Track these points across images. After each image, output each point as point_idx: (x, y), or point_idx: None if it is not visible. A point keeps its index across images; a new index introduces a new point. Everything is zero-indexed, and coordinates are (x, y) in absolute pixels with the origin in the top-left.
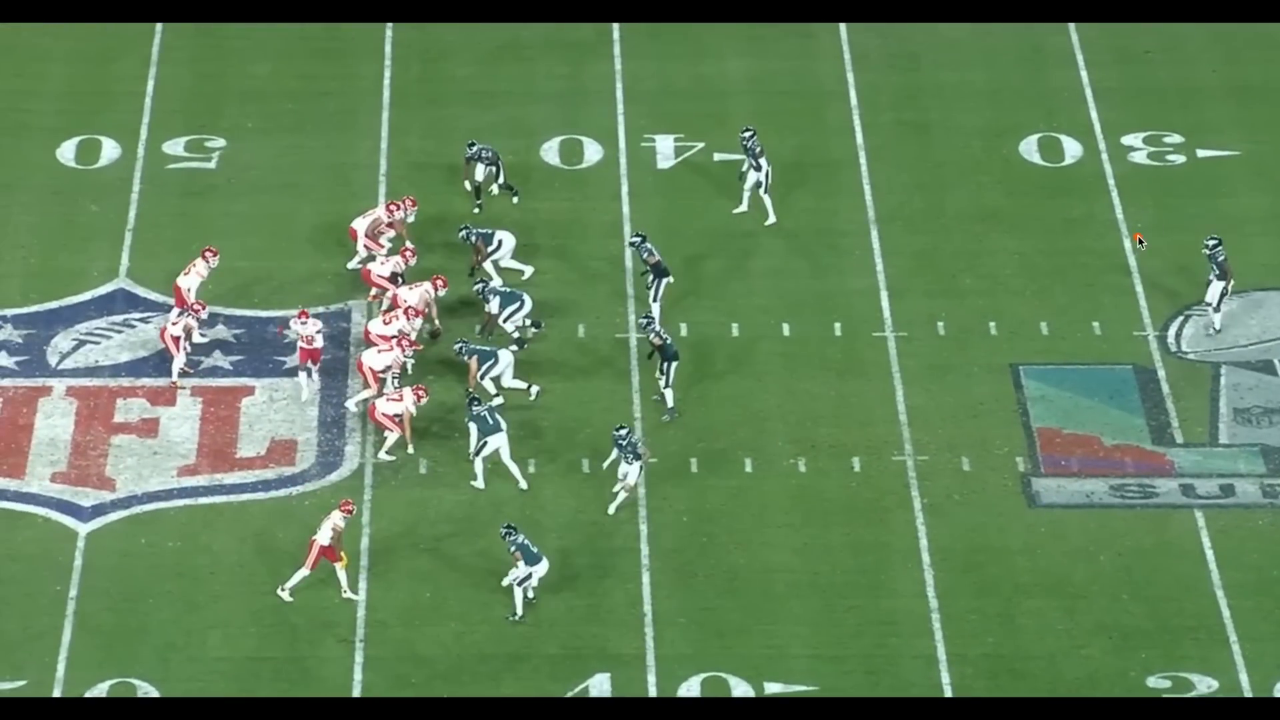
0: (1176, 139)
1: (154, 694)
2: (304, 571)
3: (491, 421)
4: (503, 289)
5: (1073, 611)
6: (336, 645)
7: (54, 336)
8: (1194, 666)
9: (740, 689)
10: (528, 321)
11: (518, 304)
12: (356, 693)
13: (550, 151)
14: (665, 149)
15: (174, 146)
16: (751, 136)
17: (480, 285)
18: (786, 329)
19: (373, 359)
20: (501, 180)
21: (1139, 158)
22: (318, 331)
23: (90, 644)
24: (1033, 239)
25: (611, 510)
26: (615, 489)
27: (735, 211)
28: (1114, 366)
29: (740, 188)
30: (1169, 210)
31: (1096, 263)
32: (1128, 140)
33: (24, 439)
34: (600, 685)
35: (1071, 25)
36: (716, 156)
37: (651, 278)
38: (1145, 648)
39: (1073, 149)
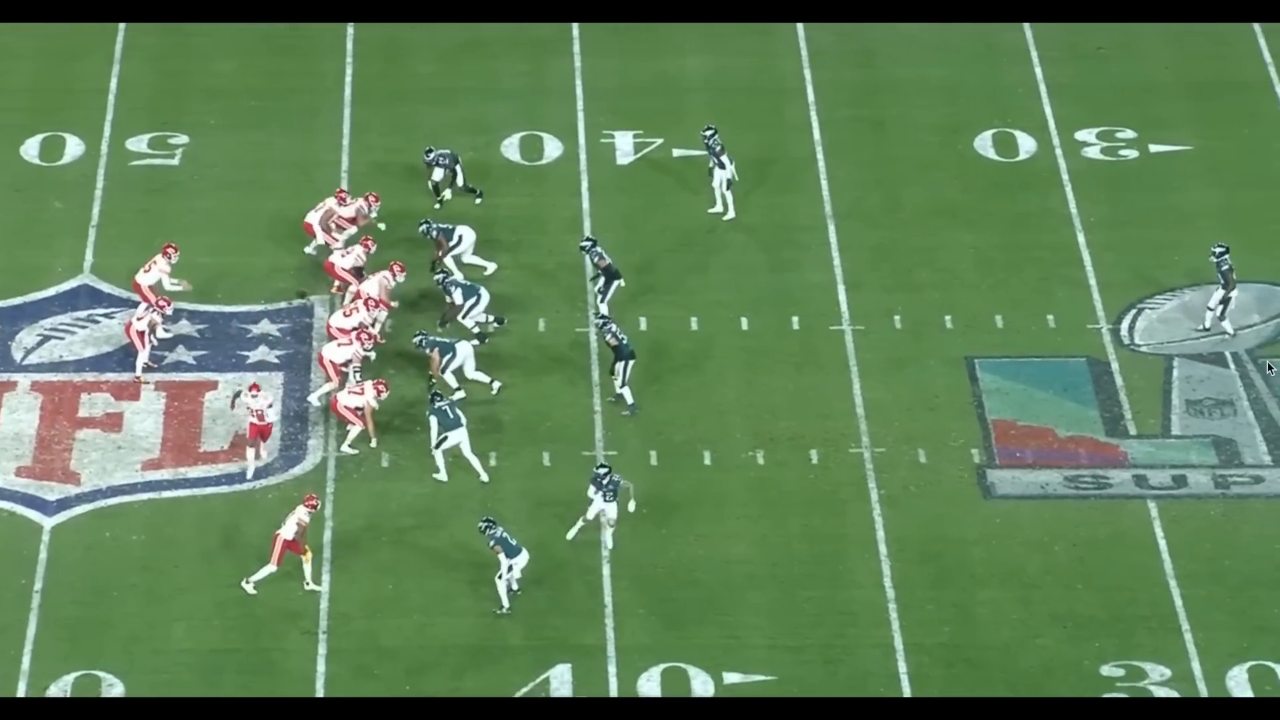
0: (1129, 134)
1: (119, 686)
2: (270, 567)
3: (452, 416)
4: (464, 282)
5: (1028, 601)
6: (300, 637)
7: (18, 332)
8: (1147, 655)
9: (699, 679)
10: (489, 317)
11: (475, 299)
12: (320, 684)
13: (511, 148)
14: (625, 145)
15: (137, 143)
16: (713, 135)
17: (441, 277)
18: (745, 323)
19: (333, 352)
20: (461, 183)
21: (1092, 153)
22: (269, 406)
23: (55, 637)
24: (987, 233)
25: (570, 535)
26: (588, 517)
27: (710, 211)
28: (1068, 359)
29: (710, 187)
30: (1122, 205)
31: (1051, 257)
32: (1081, 136)
33: None
34: (561, 676)
35: (1026, 23)
36: (675, 153)
37: (602, 280)
38: (1099, 637)
39: (1027, 145)
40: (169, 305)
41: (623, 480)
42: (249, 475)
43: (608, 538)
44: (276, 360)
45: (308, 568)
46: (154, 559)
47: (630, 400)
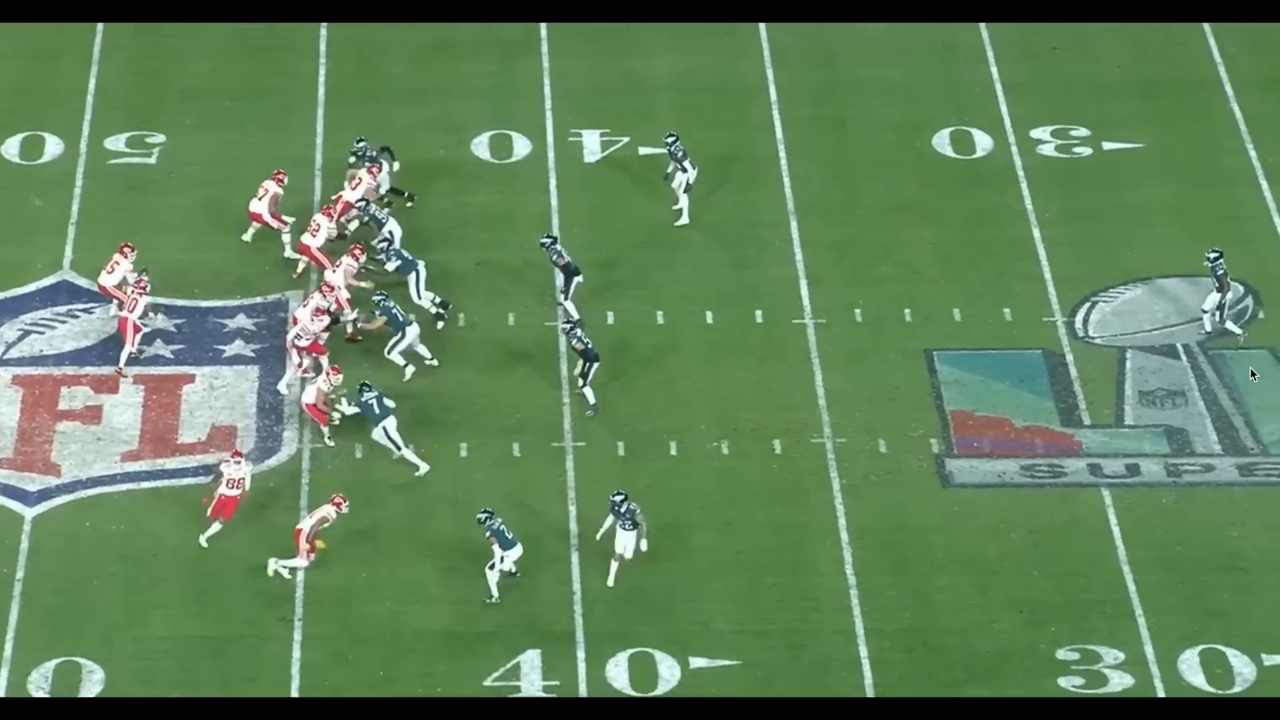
0: (1083, 132)
1: (99, 672)
2: (301, 561)
3: (379, 410)
4: (405, 255)
5: (985, 587)
6: (277, 625)
7: None
8: (1101, 639)
9: (666, 664)
10: (433, 296)
11: (414, 273)
12: (295, 669)
13: (480, 146)
14: (592, 144)
15: (115, 143)
16: (674, 141)
17: (385, 243)
18: (709, 317)
19: (333, 276)
20: (390, 185)
21: (1047, 150)
22: (249, 475)
23: (37, 624)
24: (946, 229)
25: (610, 582)
26: (613, 560)
27: (677, 225)
28: (1024, 351)
29: (671, 191)
30: (1076, 201)
31: (1007, 252)
32: (1036, 134)
33: None
34: (531, 661)
35: (982, 23)
36: (641, 151)
37: (562, 278)
38: (1055, 621)
39: (984, 142)
40: (145, 282)
41: (639, 514)
42: (202, 541)
43: (612, 573)
44: (252, 354)
45: (299, 560)
46: (133, 548)
47: (593, 400)
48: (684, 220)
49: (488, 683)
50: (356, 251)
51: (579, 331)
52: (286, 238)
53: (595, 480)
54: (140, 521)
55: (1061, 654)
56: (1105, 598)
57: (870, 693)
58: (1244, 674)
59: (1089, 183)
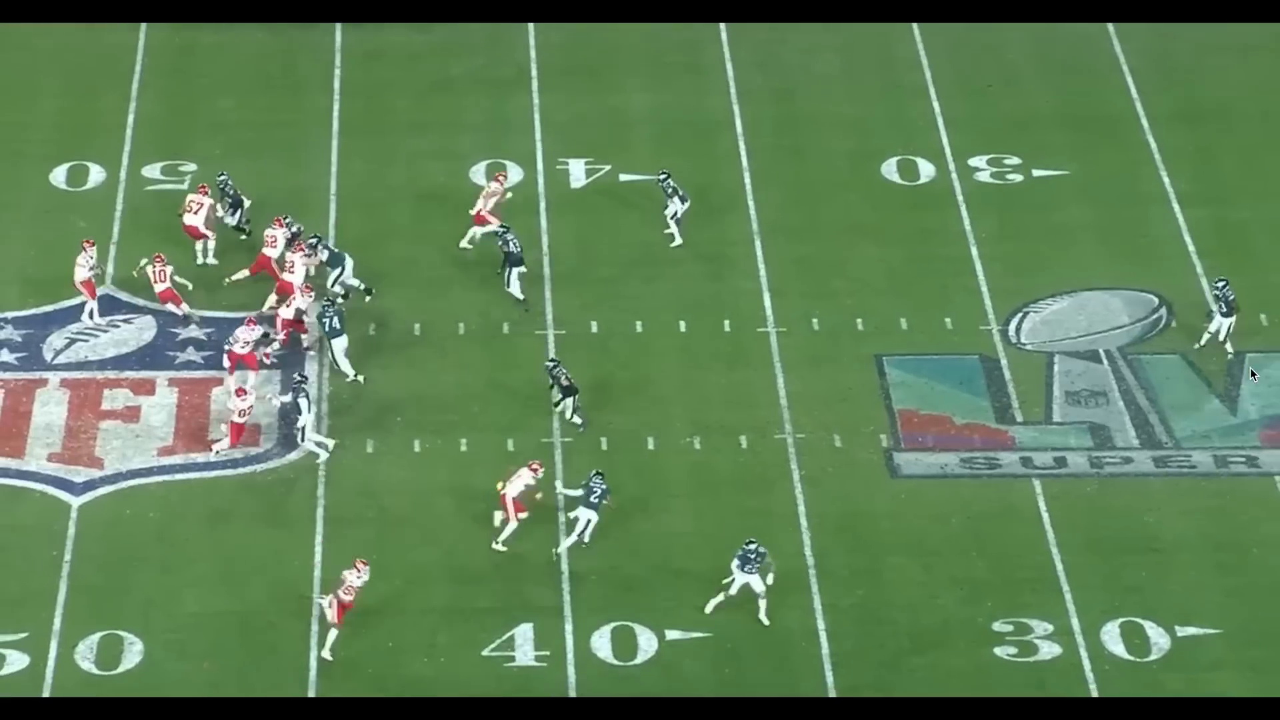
0: (1015, 161)
1: (138, 644)
2: (512, 524)
3: (306, 404)
4: (333, 248)
5: (929, 567)
6: (296, 600)
7: (49, 335)
8: (1033, 613)
9: (645, 636)
10: (358, 283)
11: (340, 267)
12: (313, 642)
13: (477, 173)
14: (577, 171)
15: (152, 170)
16: (666, 178)
17: (316, 239)
18: (683, 326)
19: (285, 311)
20: (238, 219)
21: (983, 177)
22: (254, 403)
23: (82, 601)
24: (893, 247)
25: (709, 609)
26: (731, 592)
27: (667, 233)
28: (963, 356)
29: (662, 216)
30: (1009, 222)
31: (948, 267)
32: (973, 162)
33: (23, 425)
34: (524, 634)
35: (925, 63)
36: (622, 178)
37: (505, 263)
38: (991, 597)
39: (927, 170)
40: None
41: (766, 555)
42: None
43: (762, 612)
44: (275, 360)
45: (510, 527)
46: (168, 533)
47: (581, 420)
48: (678, 242)
49: (485, 653)
50: (303, 249)
51: (562, 370)
52: (211, 245)
53: (581, 471)
54: (174, 509)
55: (997, 626)
56: (1036, 576)
57: (827, 661)
58: (1159, 644)
59: (1020, 206)
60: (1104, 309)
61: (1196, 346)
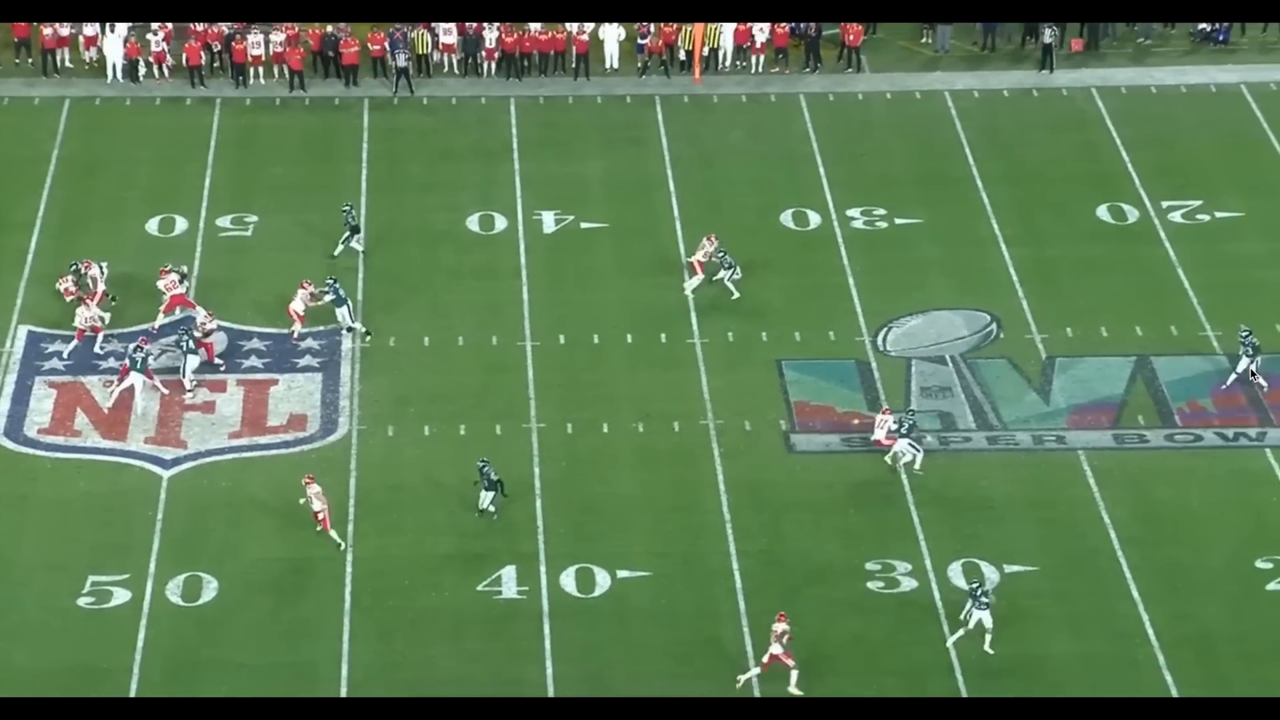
0: (882, 211)
1: (214, 583)
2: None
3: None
4: (340, 290)
5: (819, 523)
6: (333, 549)
7: (147, 347)
8: (896, 556)
9: (601, 574)
10: (359, 326)
11: (346, 305)
12: (348, 579)
13: (472, 222)
14: (549, 220)
15: (224, 221)
16: (724, 254)
17: (332, 281)
18: (629, 338)
19: (295, 304)
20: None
21: (857, 224)
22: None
23: (171, 551)
24: (790, 278)
25: (950, 642)
26: (969, 627)
27: (733, 298)
28: (843, 361)
29: (726, 285)
30: (877, 260)
31: (832, 293)
32: (850, 213)
33: (126, 415)
34: (509, 574)
35: (813, 136)
36: (583, 225)
37: (348, 233)
38: (864, 544)
39: (815, 219)
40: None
41: (991, 594)
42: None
43: (987, 644)
44: (317, 365)
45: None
46: (236, 498)
47: (495, 510)
48: (735, 295)
49: (479, 588)
50: (307, 284)
51: (491, 467)
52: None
53: (552, 450)
54: (240, 480)
55: (869, 566)
56: (899, 526)
57: (740, 593)
58: (991, 578)
59: (886, 246)
60: (949, 324)
61: (1224, 386)
